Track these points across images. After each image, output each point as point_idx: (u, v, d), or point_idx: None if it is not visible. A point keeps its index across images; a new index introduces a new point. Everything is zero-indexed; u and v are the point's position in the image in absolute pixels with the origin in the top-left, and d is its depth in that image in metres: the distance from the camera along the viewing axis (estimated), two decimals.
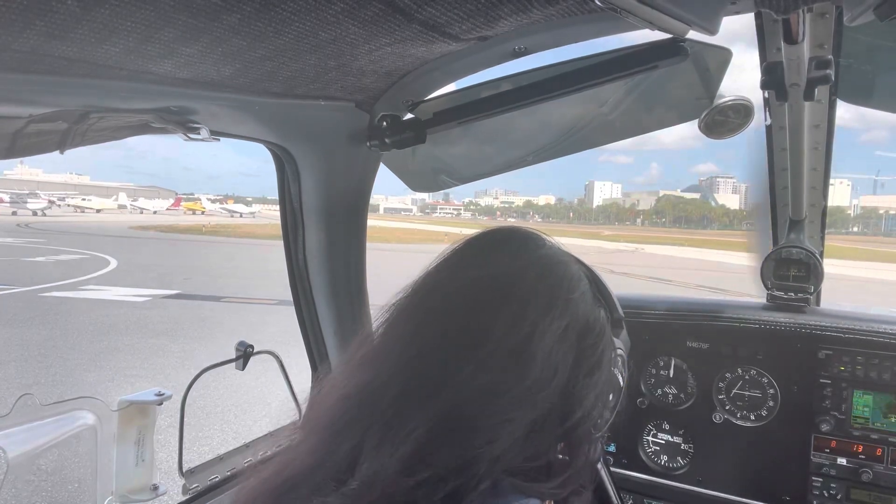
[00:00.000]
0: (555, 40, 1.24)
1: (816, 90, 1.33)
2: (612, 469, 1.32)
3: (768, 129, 1.82)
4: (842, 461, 1.90)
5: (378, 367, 0.86)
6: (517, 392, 0.79)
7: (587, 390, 0.86)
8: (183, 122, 1.21)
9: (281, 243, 1.83)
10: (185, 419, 1.62)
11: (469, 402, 0.78)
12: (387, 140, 1.56)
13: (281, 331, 5.54)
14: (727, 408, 2.09)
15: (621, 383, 0.96)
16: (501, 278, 0.89)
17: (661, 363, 2.21)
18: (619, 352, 0.96)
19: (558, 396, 0.82)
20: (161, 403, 1.52)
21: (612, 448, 2.24)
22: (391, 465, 0.74)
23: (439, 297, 0.91)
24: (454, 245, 0.99)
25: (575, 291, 0.90)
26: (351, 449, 0.78)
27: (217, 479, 1.61)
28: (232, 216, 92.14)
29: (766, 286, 2.16)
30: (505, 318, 0.83)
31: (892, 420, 1.86)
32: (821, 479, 1.92)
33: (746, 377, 2.06)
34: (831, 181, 2.05)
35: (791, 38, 1.10)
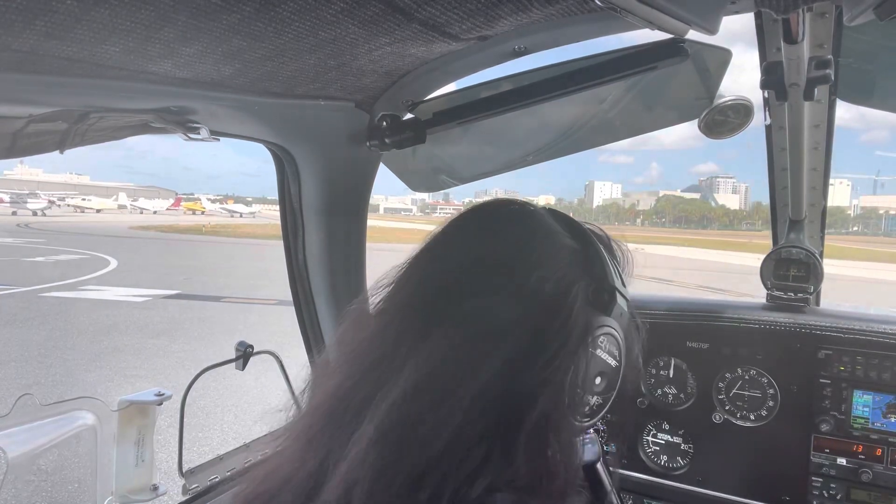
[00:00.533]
0: (555, 40, 1.24)
1: (816, 90, 1.33)
2: (611, 469, 1.31)
3: (768, 129, 1.82)
4: (841, 461, 1.89)
5: (344, 372, 0.81)
6: (456, 404, 0.71)
7: (548, 381, 0.75)
8: (183, 122, 1.21)
9: (280, 243, 1.83)
10: (185, 419, 1.62)
11: (408, 418, 0.70)
12: (387, 140, 1.56)
13: (280, 331, 5.54)
14: (727, 408, 2.09)
15: (612, 364, 0.87)
16: (455, 272, 0.83)
17: (661, 363, 2.21)
18: (607, 330, 0.85)
19: (509, 399, 0.72)
20: (161, 403, 1.52)
21: (612, 448, 2.24)
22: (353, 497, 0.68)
23: (399, 297, 0.86)
24: (426, 238, 0.93)
25: (541, 269, 0.81)
26: (318, 465, 0.73)
27: (217, 479, 1.61)
28: (232, 216, 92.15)
29: (766, 286, 2.16)
30: (452, 320, 0.77)
31: (892, 420, 1.86)
32: (821, 480, 1.91)
33: (746, 377, 2.06)
34: (831, 181, 2.06)
35: (791, 38, 1.10)
